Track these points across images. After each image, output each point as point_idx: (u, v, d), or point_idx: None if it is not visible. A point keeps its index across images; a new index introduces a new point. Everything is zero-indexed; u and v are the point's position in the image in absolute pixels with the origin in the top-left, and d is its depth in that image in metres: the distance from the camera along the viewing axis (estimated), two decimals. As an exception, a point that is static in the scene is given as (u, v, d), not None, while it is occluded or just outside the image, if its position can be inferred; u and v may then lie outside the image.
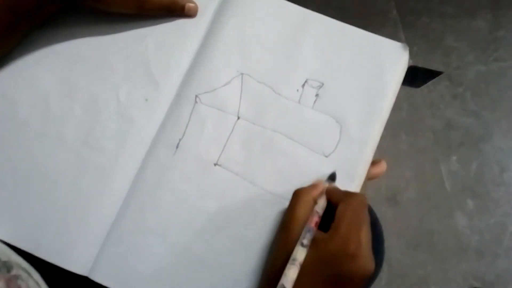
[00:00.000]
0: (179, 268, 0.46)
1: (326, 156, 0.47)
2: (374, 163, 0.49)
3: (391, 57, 0.49)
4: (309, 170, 0.47)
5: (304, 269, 0.40)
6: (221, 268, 0.45)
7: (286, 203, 0.46)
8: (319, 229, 0.42)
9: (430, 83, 1.39)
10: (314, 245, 0.40)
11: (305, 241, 0.40)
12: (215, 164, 0.48)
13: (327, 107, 0.48)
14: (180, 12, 0.51)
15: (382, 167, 0.52)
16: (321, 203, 0.43)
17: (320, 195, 0.44)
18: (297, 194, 0.44)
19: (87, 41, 0.52)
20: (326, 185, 0.46)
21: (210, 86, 0.49)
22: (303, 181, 0.47)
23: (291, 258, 0.39)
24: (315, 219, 0.42)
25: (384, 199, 1.29)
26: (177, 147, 0.48)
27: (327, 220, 0.42)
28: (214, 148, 0.48)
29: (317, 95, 0.49)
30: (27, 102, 0.51)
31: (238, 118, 0.49)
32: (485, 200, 1.28)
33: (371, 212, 0.71)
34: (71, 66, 0.52)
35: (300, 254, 0.39)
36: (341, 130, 0.47)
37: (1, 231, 0.47)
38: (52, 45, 0.52)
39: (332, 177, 0.46)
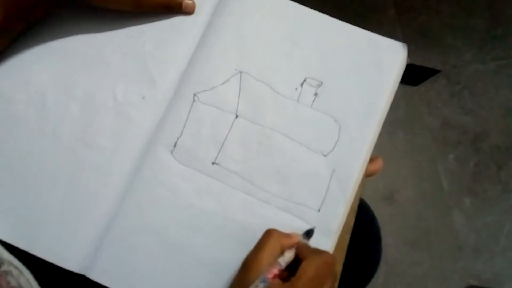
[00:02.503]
0: (176, 266, 0.46)
1: (325, 155, 0.47)
2: (370, 160, 0.49)
3: (389, 56, 0.48)
4: (307, 169, 0.47)
5: None
6: (219, 267, 0.45)
7: (284, 203, 0.46)
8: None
9: (427, 81, 1.39)
10: None
11: None
12: (213, 163, 0.48)
13: (326, 106, 0.48)
14: (177, 9, 0.51)
15: (379, 164, 0.52)
16: (287, 256, 0.42)
17: (289, 246, 0.43)
18: (268, 235, 0.43)
19: (84, 39, 0.52)
20: (300, 239, 0.44)
21: (209, 84, 0.49)
22: (301, 180, 0.46)
23: None
24: (275, 270, 0.40)
25: (381, 198, 1.30)
26: (175, 145, 0.48)
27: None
28: (212, 146, 0.48)
29: (315, 94, 0.48)
30: (23, 100, 0.51)
31: (237, 116, 0.48)
32: (482, 199, 1.29)
33: (368, 211, 0.72)
34: (67, 64, 0.51)
35: None
36: (340, 129, 0.47)
37: (-3, 229, 0.47)
38: (49, 43, 0.52)
39: (308, 233, 0.45)
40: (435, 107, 1.34)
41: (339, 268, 0.47)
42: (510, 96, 1.34)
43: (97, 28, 0.52)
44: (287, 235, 0.44)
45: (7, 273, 0.40)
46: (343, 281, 0.47)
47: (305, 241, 0.45)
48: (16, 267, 0.42)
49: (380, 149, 0.48)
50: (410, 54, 0.49)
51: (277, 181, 0.47)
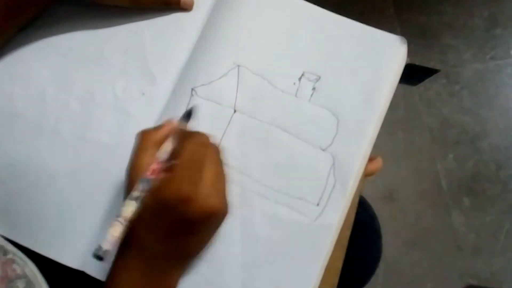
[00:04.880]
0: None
1: (323, 150, 0.47)
2: (370, 159, 0.49)
3: (388, 50, 0.48)
4: (305, 163, 0.47)
5: (148, 217, 0.38)
6: (219, 263, 0.45)
7: (282, 197, 0.46)
8: None
9: (427, 81, 1.39)
10: (152, 192, 0.38)
11: (136, 193, 0.37)
12: (211, 158, 0.48)
13: (324, 100, 0.48)
14: (175, 5, 0.51)
15: (378, 163, 0.52)
16: (164, 148, 0.40)
17: (165, 137, 0.41)
18: (138, 137, 0.41)
19: (84, 35, 0.52)
20: (175, 125, 0.43)
21: (207, 78, 0.49)
22: (300, 174, 0.46)
23: (116, 213, 0.36)
24: (153, 166, 0.38)
25: (381, 197, 1.30)
26: (173, 140, 0.48)
27: None
28: (210, 141, 0.48)
29: (314, 88, 0.48)
30: (23, 95, 0.51)
31: (235, 111, 0.48)
32: (482, 198, 1.29)
33: (368, 209, 0.72)
34: (67, 60, 0.52)
35: (126, 209, 0.36)
36: (338, 123, 0.47)
37: (-3, 225, 0.47)
38: (49, 39, 0.52)
39: (186, 115, 0.43)
40: (434, 106, 1.34)
41: (339, 264, 0.47)
42: (510, 96, 1.34)
43: (97, 24, 0.52)
44: (157, 128, 0.42)
45: (12, 261, 0.41)
46: (343, 278, 0.47)
47: (182, 125, 0.43)
48: (20, 258, 0.42)
49: (379, 149, 0.48)
50: (409, 53, 0.49)
51: (276, 176, 0.47)
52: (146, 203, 0.38)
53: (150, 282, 0.40)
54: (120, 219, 0.36)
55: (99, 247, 0.35)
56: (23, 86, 0.51)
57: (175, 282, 0.42)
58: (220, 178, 0.41)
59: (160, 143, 0.41)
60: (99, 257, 0.35)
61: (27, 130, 0.50)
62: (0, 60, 0.52)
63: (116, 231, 0.36)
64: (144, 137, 0.41)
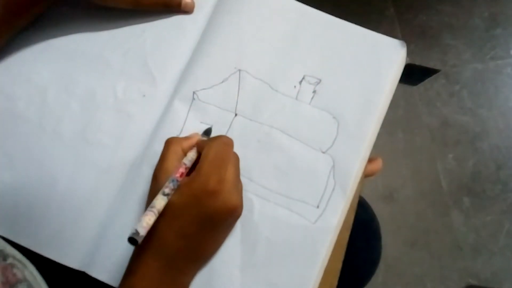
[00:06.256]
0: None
1: (323, 152, 0.47)
2: (370, 160, 0.49)
3: (388, 54, 0.49)
4: (306, 166, 0.47)
5: (172, 214, 0.41)
6: (216, 263, 0.45)
7: (282, 199, 0.46)
8: None
9: (426, 81, 1.39)
10: (178, 190, 0.41)
11: (167, 190, 0.40)
12: (212, 161, 0.48)
13: (325, 103, 0.48)
14: (176, 8, 0.51)
15: (378, 164, 0.52)
16: (190, 155, 0.44)
17: (191, 147, 0.45)
18: (168, 144, 0.45)
19: (85, 37, 0.52)
20: (199, 138, 0.47)
21: (208, 82, 0.49)
22: (300, 177, 0.47)
23: (150, 205, 0.40)
24: (181, 170, 0.42)
25: (381, 197, 1.30)
26: (174, 143, 0.48)
27: None
28: (211, 144, 0.48)
29: (314, 91, 0.48)
30: (24, 97, 0.51)
31: (236, 115, 0.49)
32: (482, 198, 1.29)
33: (368, 209, 0.72)
34: (68, 61, 0.52)
35: (159, 202, 0.40)
36: (338, 126, 0.47)
37: (-2, 226, 0.47)
38: (50, 40, 0.53)
39: (207, 132, 0.48)
40: (434, 106, 1.34)
41: (338, 265, 0.47)
42: (509, 96, 1.34)
43: (98, 26, 0.53)
44: (186, 138, 0.46)
45: (12, 265, 0.41)
46: (343, 279, 0.48)
47: (204, 138, 0.47)
48: (19, 261, 0.42)
49: (379, 149, 0.48)
50: (409, 53, 0.49)
51: (276, 178, 0.47)
52: (171, 201, 0.41)
53: (167, 279, 0.42)
54: (154, 209, 0.39)
55: (136, 232, 0.38)
56: (24, 87, 0.51)
57: (189, 282, 0.44)
58: (239, 180, 0.45)
59: (186, 151, 0.45)
60: (134, 241, 0.38)
61: (28, 131, 0.50)
62: (1, 61, 0.52)
63: (150, 219, 0.39)
64: (174, 143, 0.45)
